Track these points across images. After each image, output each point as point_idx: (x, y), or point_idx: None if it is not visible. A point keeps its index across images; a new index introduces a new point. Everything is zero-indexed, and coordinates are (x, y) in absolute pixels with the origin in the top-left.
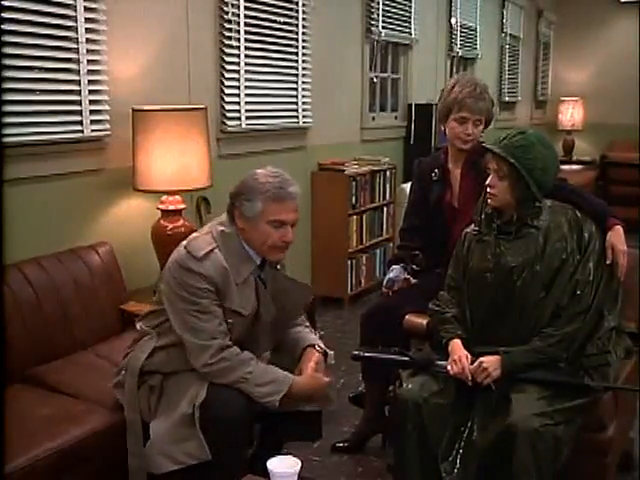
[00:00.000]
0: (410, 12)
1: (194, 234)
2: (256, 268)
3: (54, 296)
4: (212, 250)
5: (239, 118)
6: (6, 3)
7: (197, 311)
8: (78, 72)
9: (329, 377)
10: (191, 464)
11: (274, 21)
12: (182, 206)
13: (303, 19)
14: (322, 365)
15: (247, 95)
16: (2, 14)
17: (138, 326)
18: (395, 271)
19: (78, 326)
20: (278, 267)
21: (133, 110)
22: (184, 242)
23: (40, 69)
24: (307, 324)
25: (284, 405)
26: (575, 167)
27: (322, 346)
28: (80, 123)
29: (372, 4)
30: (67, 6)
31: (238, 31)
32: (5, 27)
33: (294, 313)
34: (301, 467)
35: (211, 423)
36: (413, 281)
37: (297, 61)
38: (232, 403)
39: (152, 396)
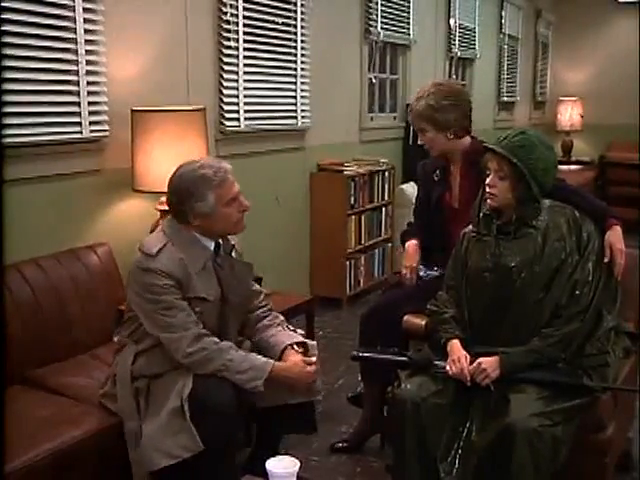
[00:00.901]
0: (409, 13)
1: (149, 235)
2: (211, 254)
3: (53, 297)
4: (165, 245)
5: (238, 119)
6: (5, 4)
7: (163, 308)
8: (77, 73)
9: (315, 367)
10: (186, 457)
11: (272, 22)
12: None
13: (302, 20)
14: (308, 359)
15: (246, 96)
16: (1, 15)
17: (116, 339)
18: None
19: (77, 327)
20: (233, 254)
21: (132, 111)
22: (139, 245)
23: (39, 70)
24: (279, 321)
25: (270, 393)
26: (574, 167)
27: (302, 340)
28: (79, 124)
29: (371, 5)
30: (65, 7)
31: (237, 32)
32: (3, 28)
33: (247, 292)
34: (299, 467)
35: (201, 413)
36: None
37: (296, 62)
38: (219, 391)
39: (141, 399)
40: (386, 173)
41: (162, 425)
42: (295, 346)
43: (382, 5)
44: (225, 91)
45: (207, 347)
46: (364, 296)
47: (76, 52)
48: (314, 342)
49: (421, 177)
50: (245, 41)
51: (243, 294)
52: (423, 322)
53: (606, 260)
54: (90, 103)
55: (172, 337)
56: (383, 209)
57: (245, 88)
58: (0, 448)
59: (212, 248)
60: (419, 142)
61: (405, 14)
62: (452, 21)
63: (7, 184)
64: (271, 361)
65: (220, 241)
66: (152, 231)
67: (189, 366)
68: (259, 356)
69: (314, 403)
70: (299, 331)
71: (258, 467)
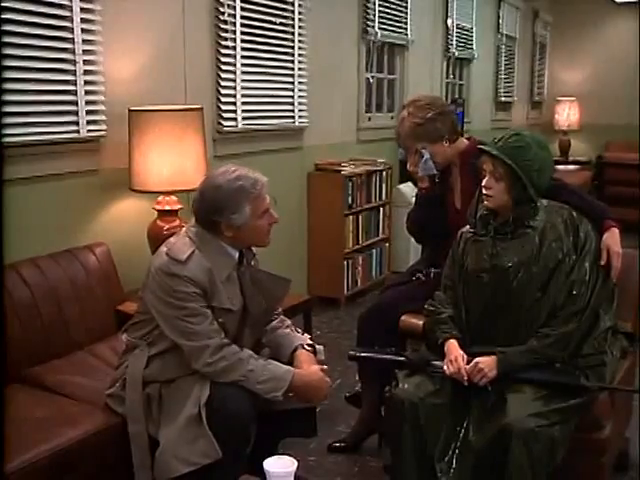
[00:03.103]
0: (406, 13)
1: (172, 239)
2: (236, 263)
3: (50, 296)
4: (193, 252)
5: (235, 118)
6: (2, 4)
7: (187, 315)
8: (74, 72)
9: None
10: (204, 464)
11: (270, 22)
12: (178, 206)
13: (299, 20)
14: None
15: (243, 95)
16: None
17: (124, 337)
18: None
19: (74, 327)
20: (252, 262)
21: (129, 110)
22: (164, 248)
23: (36, 70)
24: (288, 323)
25: (288, 399)
26: (571, 167)
27: (310, 342)
28: (76, 123)
29: (368, 5)
30: (63, 6)
31: (234, 31)
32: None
33: (273, 306)
34: (297, 467)
35: (218, 420)
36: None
37: (293, 61)
38: (236, 398)
39: (153, 405)
40: (383, 173)
41: (179, 432)
42: (306, 345)
43: (380, 5)
44: (222, 91)
45: (227, 357)
46: (362, 296)
47: (73, 52)
48: (321, 347)
49: None
50: (242, 41)
51: (264, 305)
52: (420, 322)
53: (602, 263)
54: (87, 103)
55: (194, 345)
56: (380, 209)
57: (242, 88)
58: (0, 448)
59: (236, 257)
60: (408, 167)
61: (403, 14)
62: (450, 21)
63: (5, 184)
64: (291, 369)
65: (243, 250)
66: (149, 232)
67: (208, 375)
68: (279, 364)
69: (315, 407)
70: (306, 335)
71: (255, 466)
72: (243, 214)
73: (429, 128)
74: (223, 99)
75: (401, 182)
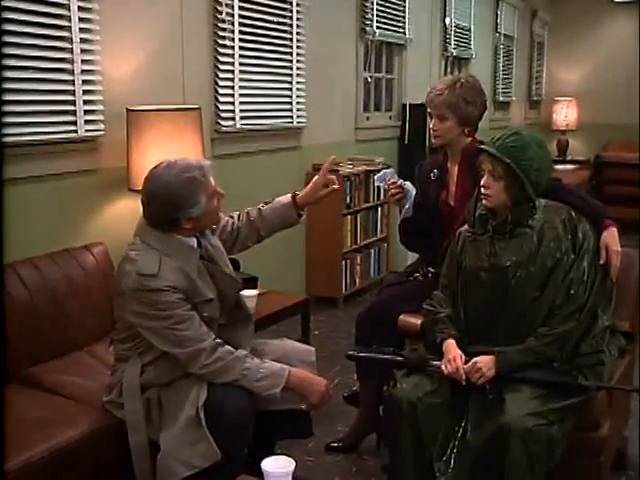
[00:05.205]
0: (404, 12)
1: (132, 254)
2: (199, 253)
3: (49, 296)
4: (160, 260)
5: (233, 118)
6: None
7: (175, 323)
8: (72, 72)
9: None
10: (205, 467)
11: (268, 21)
12: None
13: (297, 19)
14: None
15: (241, 95)
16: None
17: (111, 349)
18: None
19: (73, 326)
20: (209, 238)
21: (127, 110)
22: (129, 267)
23: (34, 69)
24: (247, 209)
25: (283, 398)
26: (569, 167)
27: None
28: (74, 123)
29: (366, 4)
30: (61, 6)
31: (232, 31)
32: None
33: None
34: (295, 467)
35: (217, 421)
36: (403, 184)
37: (291, 61)
38: (235, 399)
39: (153, 409)
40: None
41: (179, 435)
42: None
43: (378, 4)
44: (221, 90)
45: (223, 357)
46: (360, 295)
47: (71, 51)
48: (313, 349)
49: (417, 178)
50: (241, 40)
51: (231, 282)
52: (419, 321)
53: (602, 262)
54: (85, 102)
55: (188, 351)
56: (379, 208)
57: (241, 87)
58: (0, 448)
59: (196, 246)
60: (432, 128)
61: (401, 13)
62: (448, 20)
63: (4, 184)
64: (286, 367)
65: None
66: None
67: (205, 377)
68: (274, 362)
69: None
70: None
71: (253, 466)
72: (200, 205)
73: (468, 109)
74: (221, 99)
75: None
